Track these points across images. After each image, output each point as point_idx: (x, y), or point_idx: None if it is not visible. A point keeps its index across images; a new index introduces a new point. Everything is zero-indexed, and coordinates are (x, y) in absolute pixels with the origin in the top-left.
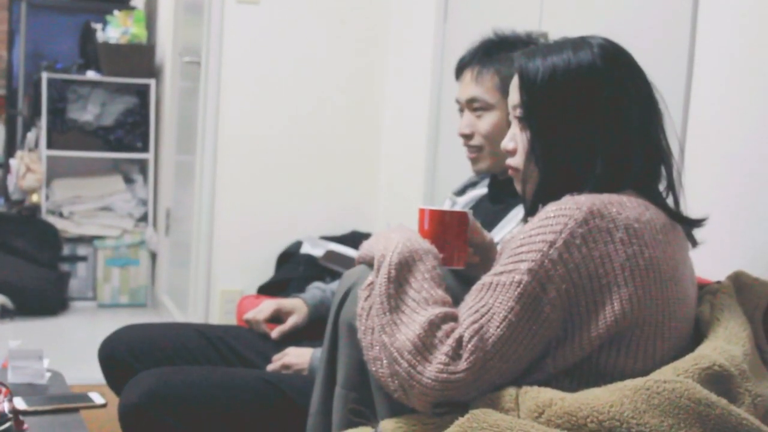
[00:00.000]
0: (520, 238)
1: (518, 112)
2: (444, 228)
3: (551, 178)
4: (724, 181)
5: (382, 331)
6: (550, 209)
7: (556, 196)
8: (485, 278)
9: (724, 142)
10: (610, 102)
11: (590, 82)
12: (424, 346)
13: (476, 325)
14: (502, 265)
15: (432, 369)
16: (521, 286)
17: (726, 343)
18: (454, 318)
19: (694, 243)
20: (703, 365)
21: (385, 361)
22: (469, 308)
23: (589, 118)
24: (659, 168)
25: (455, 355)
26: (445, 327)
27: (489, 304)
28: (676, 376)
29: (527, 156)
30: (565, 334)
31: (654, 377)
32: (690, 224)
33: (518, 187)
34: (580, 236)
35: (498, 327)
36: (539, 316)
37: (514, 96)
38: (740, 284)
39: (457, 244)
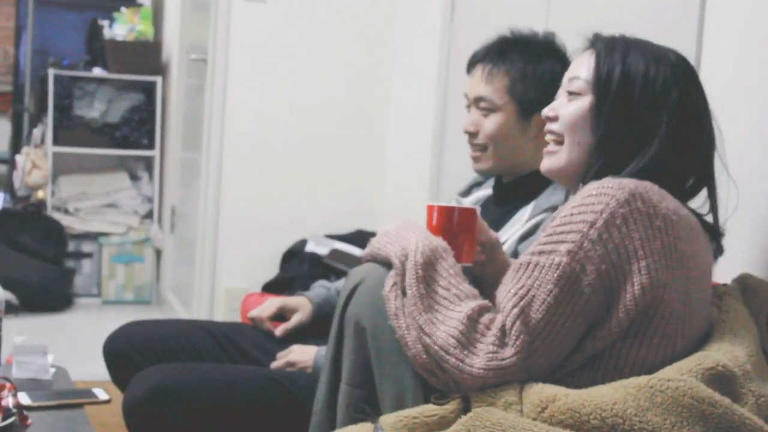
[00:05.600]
0: (560, 216)
1: (574, 86)
2: (453, 224)
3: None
4: (729, 182)
5: (421, 331)
6: (591, 188)
7: (601, 170)
8: (523, 257)
9: (728, 142)
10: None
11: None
12: (468, 341)
13: (516, 310)
14: (541, 244)
15: (481, 360)
16: (560, 268)
17: (730, 344)
18: (488, 309)
19: (720, 252)
20: (707, 365)
21: (431, 356)
22: (508, 292)
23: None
24: (692, 181)
25: (501, 342)
26: (484, 319)
27: (528, 285)
28: (679, 375)
29: (590, 129)
30: (608, 314)
31: (658, 376)
32: (716, 234)
33: (553, 149)
34: (621, 216)
35: (538, 310)
36: (580, 298)
37: (577, 71)
38: (746, 286)
39: (466, 241)
